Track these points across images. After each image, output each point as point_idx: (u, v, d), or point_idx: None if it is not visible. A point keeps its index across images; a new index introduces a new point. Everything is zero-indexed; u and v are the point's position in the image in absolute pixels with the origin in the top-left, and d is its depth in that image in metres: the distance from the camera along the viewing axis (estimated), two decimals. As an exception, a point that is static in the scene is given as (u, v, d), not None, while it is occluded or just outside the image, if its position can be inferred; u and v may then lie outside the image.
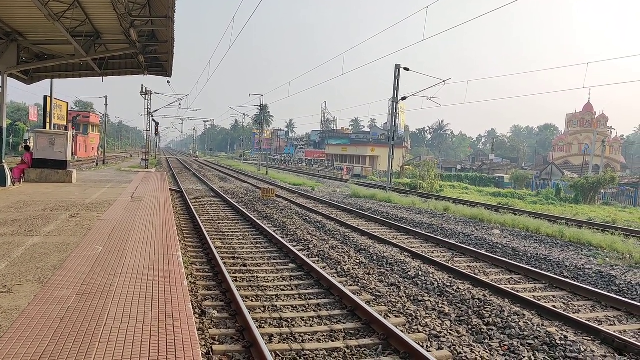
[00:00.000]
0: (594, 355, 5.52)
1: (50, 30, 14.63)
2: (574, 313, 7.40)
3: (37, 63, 17.28)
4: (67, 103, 28.95)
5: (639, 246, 12.83)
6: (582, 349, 5.66)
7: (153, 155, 60.71)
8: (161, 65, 20.24)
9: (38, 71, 19.40)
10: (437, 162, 62.43)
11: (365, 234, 13.60)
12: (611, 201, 35.60)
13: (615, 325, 7.05)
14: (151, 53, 18.50)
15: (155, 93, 45.40)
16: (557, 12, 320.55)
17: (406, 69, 29.71)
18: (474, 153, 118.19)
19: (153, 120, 48.25)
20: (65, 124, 28.63)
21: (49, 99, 22.55)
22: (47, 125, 22.25)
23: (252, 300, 7.23)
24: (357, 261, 10.14)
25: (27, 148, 19.78)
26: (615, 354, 5.70)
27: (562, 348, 5.74)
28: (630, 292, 8.82)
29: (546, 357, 5.57)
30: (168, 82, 44.90)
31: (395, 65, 30.13)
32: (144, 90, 43.28)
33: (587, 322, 6.65)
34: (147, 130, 48.07)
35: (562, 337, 6.02)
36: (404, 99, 31.22)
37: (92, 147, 69.21)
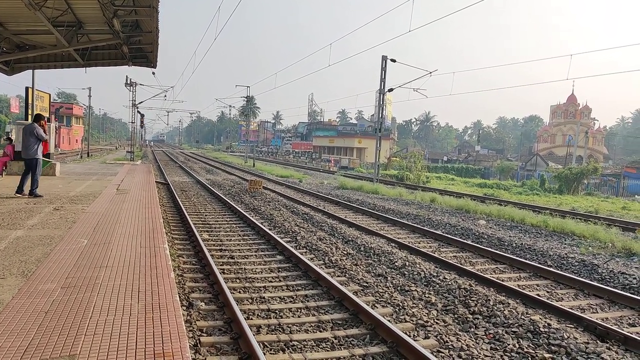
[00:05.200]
0: (576, 342, 5.63)
1: (31, 20, 14.30)
2: (557, 301, 7.53)
3: (18, 53, 16.89)
4: (50, 94, 28.41)
5: (621, 235, 13.08)
6: (565, 336, 5.77)
7: (138, 148, 59.96)
8: (146, 56, 19.92)
9: (19, 62, 18.98)
10: (424, 153, 62.72)
11: (352, 225, 13.65)
12: (594, 191, 36.14)
13: (597, 312, 7.19)
14: (135, 44, 18.18)
15: (140, 84, 44.82)
16: (543, 5, 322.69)
17: (393, 61, 29.71)
18: (460, 144, 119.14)
19: (138, 112, 47.63)
20: (48, 115, 28.15)
21: (30, 90, 22.11)
22: (29, 117, 21.84)
23: (239, 292, 7.23)
24: (345, 252, 10.18)
25: (9, 140, 19.43)
26: (598, 341, 5.81)
27: (545, 335, 5.84)
28: (612, 280, 8.99)
29: (530, 345, 5.67)
30: (153, 73, 44.54)
31: (382, 56, 30.10)
32: (129, 82, 42.69)
33: (570, 310, 6.77)
34: (132, 122, 47.52)
35: (546, 324, 6.12)
36: (390, 90, 31.24)
37: (76, 140, 68.22)
